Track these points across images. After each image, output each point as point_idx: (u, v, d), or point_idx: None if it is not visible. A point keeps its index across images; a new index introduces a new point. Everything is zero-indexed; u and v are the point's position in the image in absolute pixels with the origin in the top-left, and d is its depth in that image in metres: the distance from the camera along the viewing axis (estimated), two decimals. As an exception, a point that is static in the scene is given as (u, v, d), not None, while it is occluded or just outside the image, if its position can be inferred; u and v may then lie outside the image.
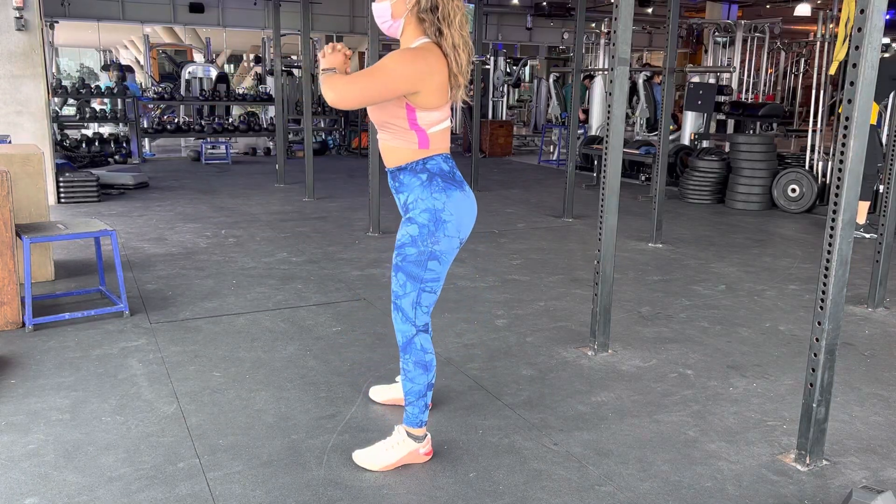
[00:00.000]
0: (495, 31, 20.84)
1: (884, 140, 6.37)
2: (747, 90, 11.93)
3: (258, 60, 17.76)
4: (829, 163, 7.69)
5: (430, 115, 2.41)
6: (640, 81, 11.46)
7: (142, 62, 19.01)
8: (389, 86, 2.31)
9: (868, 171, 6.04)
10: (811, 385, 2.62)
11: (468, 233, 2.54)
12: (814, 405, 2.61)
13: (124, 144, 11.35)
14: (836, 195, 2.50)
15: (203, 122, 12.44)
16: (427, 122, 2.42)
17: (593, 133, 11.48)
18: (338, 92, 2.31)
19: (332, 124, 13.75)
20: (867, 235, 6.50)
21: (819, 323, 2.58)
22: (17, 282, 3.88)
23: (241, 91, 15.71)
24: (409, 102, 2.37)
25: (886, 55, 5.96)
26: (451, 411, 3.03)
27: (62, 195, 7.52)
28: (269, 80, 13.66)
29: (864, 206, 6.58)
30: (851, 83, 2.43)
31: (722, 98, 9.78)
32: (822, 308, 2.57)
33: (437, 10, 2.34)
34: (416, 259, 2.45)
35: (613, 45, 3.49)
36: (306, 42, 8.48)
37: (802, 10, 15.82)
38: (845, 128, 2.47)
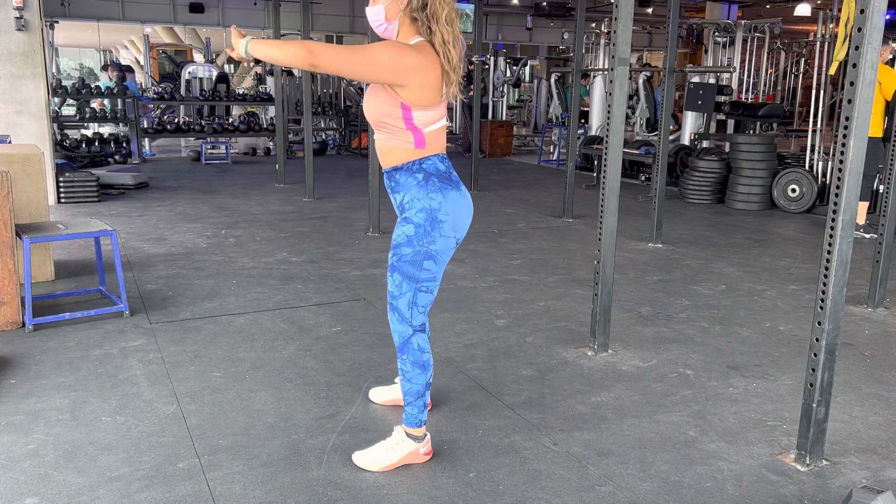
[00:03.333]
0: (495, 31, 20.85)
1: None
2: (747, 90, 11.93)
3: (258, 60, 17.74)
4: (829, 163, 7.69)
5: (425, 115, 2.41)
6: (640, 82, 11.46)
7: (142, 62, 19.01)
8: (368, 65, 2.29)
9: (868, 172, 6.04)
10: (811, 385, 2.62)
11: (464, 233, 2.53)
12: (814, 405, 2.61)
13: (124, 144, 11.35)
14: (836, 195, 2.50)
15: (203, 122, 12.44)
16: (423, 122, 2.41)
17: (593, 133, 11.48)
18: (308, 49, 2.24)
19: (337, 123, 13.75)
20: (867, 235, 6.50)
21: (819, 323, 2.58)
22: (17, 282, 3.88)
23: (241, 91, 15.70)
24: (403, 102, 2.36)
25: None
26: (451, 411, 3.03)
27: (62, 195, 7.52)
28: (269, 80, 13.67)
29: (863, 207, 6.58)
30: (851, 83, 2.43)
31: (722, 98, 9.77)
32: (822, 308, 2.57)
33: (426, 7, 2.35)
34: (412, 259, 2.45)
35: (613, 45, 3.49)
36: (306, 42, 8.47)
37: (802, 10, 15.82)
38: (845, 128, 2.47)
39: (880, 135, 6.25)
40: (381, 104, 2.40)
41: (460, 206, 2.48)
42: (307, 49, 2.24)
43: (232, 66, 23.81)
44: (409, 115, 2.39)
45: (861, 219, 6.58)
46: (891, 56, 6.35)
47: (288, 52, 2.28)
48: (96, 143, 10.98)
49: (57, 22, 15.88)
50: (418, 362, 2.53)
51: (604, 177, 3.61)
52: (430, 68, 2.34)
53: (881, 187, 4.98)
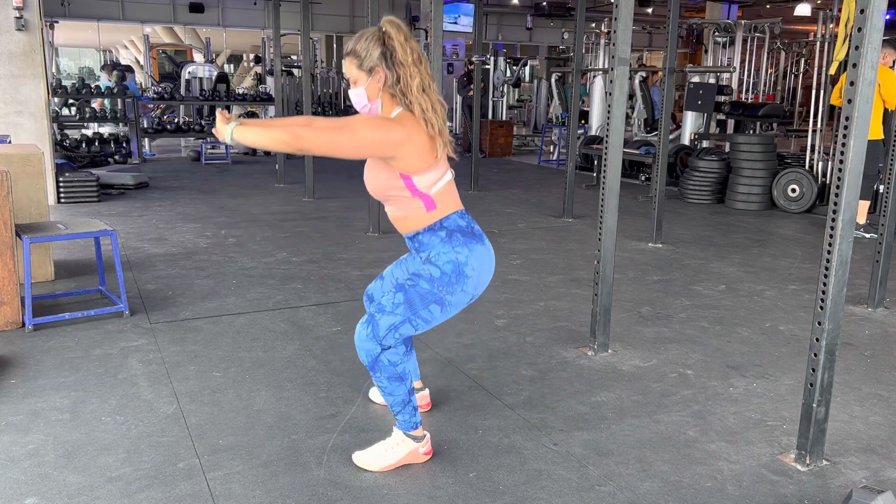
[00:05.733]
0: (495, 31, 20.86)
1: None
2: (747, 90, 11.92)
3: (258, 60, 17.77)
4: (829, 163, 7.69)
5: (425, 178, 2.41)
6: (637, 82, 11.46)
7: (142, 62, 19.00)
8: (355, 145, 2.32)
9: (869, 171, 6.03)
10: (811, 385, 2.62)
11: (482, 290, 2.53)
12: (814, 405, 2.61)
13: (124, 144, 11.34)
14: (836, 195, 2.50)
15: (203, 122, 12.44)
16: (426, 185, 2.42)
17: (593, 133, 11.48)
18: (294, 134, 2.29)
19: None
20: (867, 235, 6.49)
21: (819, 323, 2.58)
22: (17, 282, 3.88)
23: (241, 91, 15.71)
24: (401, 172, 2.39)
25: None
26: (451, 411, 3.03)
27: (62, 195, 7.52)
28: (269, 80, 13.66)
29: (864, 206, 6.57)
30: (851, 83, 2.43)
31: (722, 98, 9.77)
32: (822, 308, 2.57)
33: (399, 81, 2.38)
34: (424, 295, 2.43)
35: (613, 45, 3.49)
36: (306, 42, 8.48)
37: (802, 10, 15.83)
38: (845, 128, 2.47)
39: (880, 137, 6.25)
40: (380, 178, 2.44)
41: (485, 261, 2.48)
42: (292, 134, 2.29)
43: (232, 65, 23.83)
44: (410, 182, 2.41)
45: (861, 218, 6.58)
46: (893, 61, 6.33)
47: (274, 138, 2.31)
48: (96, 143, 10.98)
49: (57, 22, 15.89)
50: (393, 376, 2.48)
51: (604, 177, 3.61)
52: (416, 135, 2.36)
53: (881, 187, 4.98)
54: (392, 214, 2.53)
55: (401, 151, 2.34)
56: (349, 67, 2.43)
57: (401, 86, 2.37)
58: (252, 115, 13.83)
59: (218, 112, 2.42)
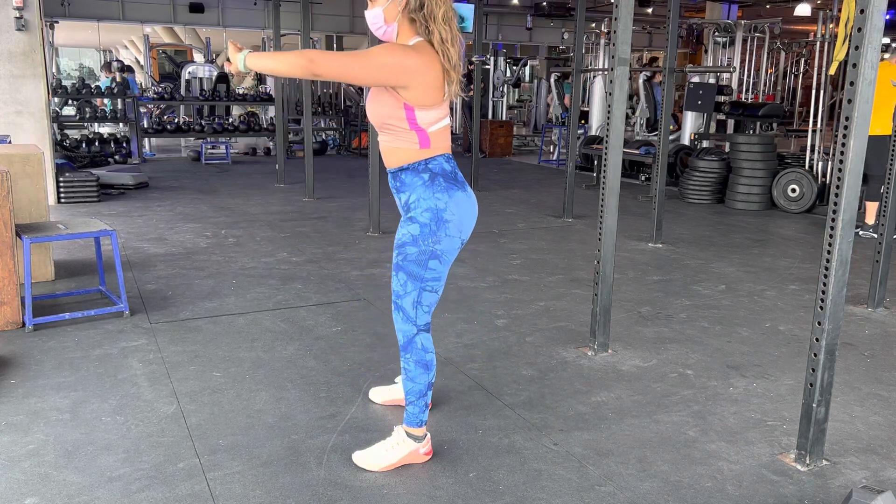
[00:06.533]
0: (495, 31, 20.84)
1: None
2: (747, 90, 11.92)
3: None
4: (829, 163, 7.68)
5: (428, 114, 2.41)
6: (641, 81, 11.46)
7: (142, 62, 19.01)
8: (370, 70, 2.29)
9: (877, 172, 6.00)
10: (811, 385, 2.62)
11: (469, 233, 2.53)
12: (814, 405, 2.61)
13: (124, 144, 11.35)
14: (836, 195, 2.50)
15: (203, 122, 12.44)
16: (426, 122, 2.41)
17: (593, 133, 11.48)
18: (308, 58, 2.24)
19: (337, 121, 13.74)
20: (875, 235, 6.48)
21: (819, 323, 2.58)
22: (17, 282, 3.88)
23: (241, 91, 15.70)
24: (406, 102, 2.36)
25: None
26: (451, 411, 3.03)
27: (62, 195, 7.52)
28: (269, 80, 13.66)
29: (873, 207, 6.56)
30: (851, 83, 2.43)
31: (722, 98, 9.77)
32: (822, 308, 2.57)
33: (423, 7, 2.34)
34: (417, 258, 2.45)
35: (613, 45, 3.49)
36: (306, 42, 8.48)
37: (802, 10, 15.82)
38: (845, 128, 2.47)
39: (890, 132, 6.21)
40: (384, 106, 2.40)
41: (466, 207, 2.48)
42: (307, 58, 2.24)
43: (232, 66, 23.78)
44: (412, 115, 2.39)
45: (871, 219, 6.57)
46: None
47: (288, 62, 2.28)
48: (96, 143, 10.98)
49: (57, 22, 15.88)
50: (422, 361, 2.53)
51: (604, 177, 3.61)
52: (431, 67, 2.34)
53: (882, 187, 4.95)
54: (384, 145, 2.50)
55: (412, 81, 2.32)
56: None
57: (424, 11, 2.33)
58: (252, 114, 13.83)
59: (229, 42, 2.41)
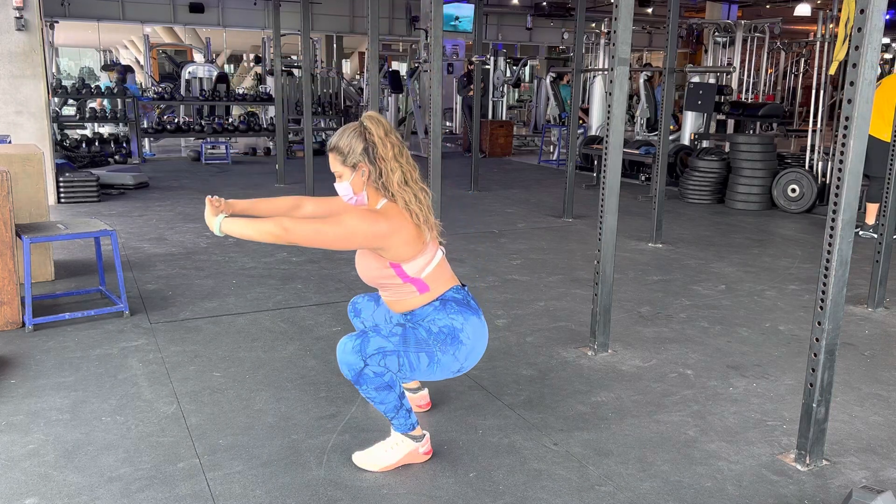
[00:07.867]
0: (495, 31, 20.86)
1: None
2: (747, 90, 11.92)
3: (258, 60, 17.76)
4: (829, 163, 7.68)
5: (415, 264, 2.46)
6: (641, 81, 11.46)
7: (142, 62, 19.00)
8: (343, 236, 2.38)
9: (879, 174, 6.00)
10: (811, 385, 2.62)
11: (472, 366, 2.55)
12: (814, 405, 2.61)
13: (124, 144, 11.35)
14: (836, 195, 2.50)
15: (203, 122, 12.44)
16: (416, 271, 2.46)
17: (593, 133, 11.48)
18: (283, 227, 2.32)
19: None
20: (876, 235, 6.48)
21: (819, 323, 2.58)
22: (17, 282, 3.88)
23: (241, 91, 15.70)
24: (390, 261, 2.43)
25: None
26: (451, 411, 3.03)
27: (62, 195, 7.52)
28: (269, 80, 13.66)
29: (874, 208, 6.56)
30: (851, 83, 2.43)
31: (722, 98, 9.77)
32: (822, 308, 2.57)
33: (381, 176, 2.43)
34: (419, 340, 2.43)
35: (613, 45, 3.49)
36: (306, 42, 8.48)
37: (802, 10, 15.83)
38: (845, 128, 2.47)
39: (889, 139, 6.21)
40: (371, 268, 2.49)
41: (481, 335, 2.51)
42: (281, 227, 2.33)
43: (232, 65, 23.82)
44: (400, 271, 2.45)
45: (871, 219, 6.57)
46: None
47: (263, 231, 2.35)
48: (96, 143, 10.98)
49: (57, 22, 15.89)
50: (381, 386, 2.45)
51: (604, 177, 3.61)
52: (402, 227, 2.40)
53: (882, 188, 4.95)
54: (387, 299, 2.60)
55: (387, 243, 2.40)
56: (334, 163, 2.48)
57: (383, 180, 2.43)
58: (252, 115, 13.83)
59: (207, 200, 2.48)
